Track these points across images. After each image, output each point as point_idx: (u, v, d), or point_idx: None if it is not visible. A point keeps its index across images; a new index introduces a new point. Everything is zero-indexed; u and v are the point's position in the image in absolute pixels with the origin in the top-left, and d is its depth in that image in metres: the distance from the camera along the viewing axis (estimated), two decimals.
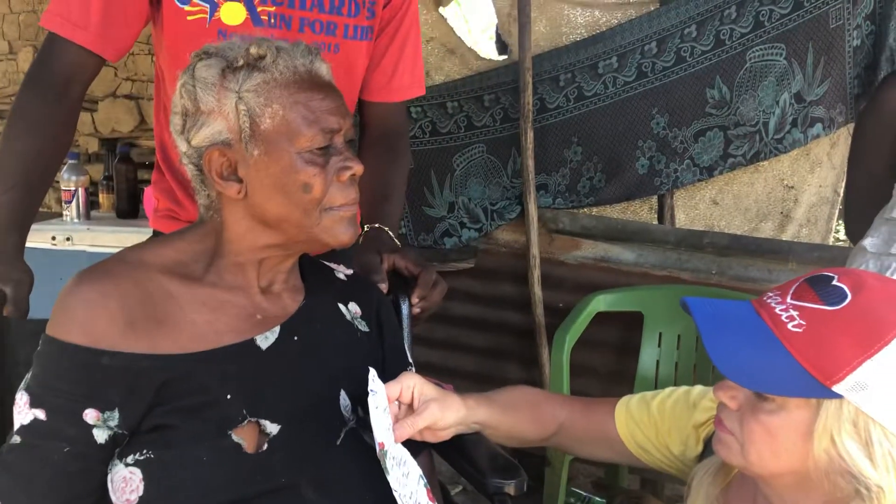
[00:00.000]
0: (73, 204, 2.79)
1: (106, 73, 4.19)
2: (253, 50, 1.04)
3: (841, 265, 1.74)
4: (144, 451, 1.00)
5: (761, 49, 2.48)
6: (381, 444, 1.05)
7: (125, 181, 2.94)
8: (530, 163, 2.60)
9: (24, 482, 0.98)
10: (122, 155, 3.00)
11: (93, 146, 4.40)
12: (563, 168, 2.70)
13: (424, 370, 1.26)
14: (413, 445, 1.13)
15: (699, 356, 2.22)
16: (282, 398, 1.08)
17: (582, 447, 1.31)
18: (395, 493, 1.04)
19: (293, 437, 1.07)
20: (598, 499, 2.40)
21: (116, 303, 1.02)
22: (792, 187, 2.68)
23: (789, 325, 0.91)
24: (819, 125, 2.52)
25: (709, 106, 2.56)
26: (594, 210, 2.74)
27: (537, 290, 2.63)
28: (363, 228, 1.46)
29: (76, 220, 2.79)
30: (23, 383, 1.02)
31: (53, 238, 2.69)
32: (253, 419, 1.05)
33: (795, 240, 2.67)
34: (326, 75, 1.11)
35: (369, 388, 1.06)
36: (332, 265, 1.29)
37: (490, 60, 2.78)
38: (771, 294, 0.97)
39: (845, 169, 1.97)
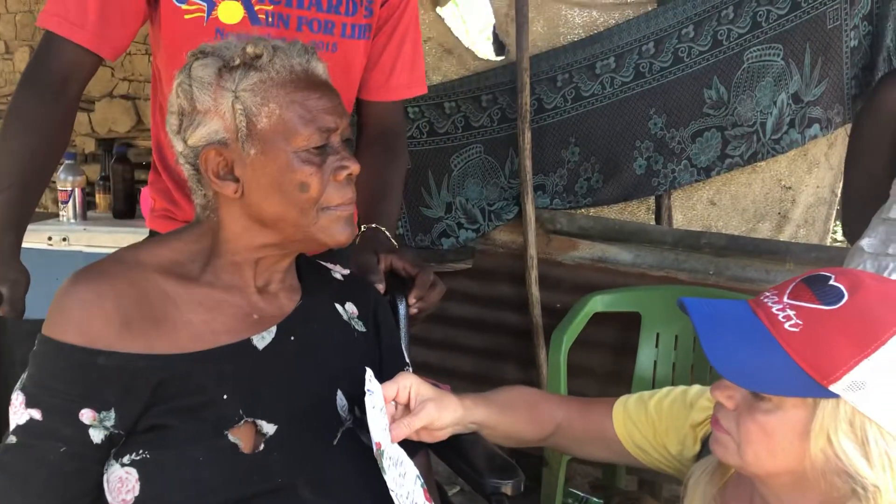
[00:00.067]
0: (70, 204, 2.79)
1: (103, 73, 4.18)
2: (249, 49, 1.04)
3: (838, 265, 1.74)
4: (140, 451, 1.00)
5: (759, 49, 2.48)
6: (378, 444, 1.05)
7: (122, 181, 2.93)
8: (528, 163, 2.59)
9: (19, 482, 0.98)
10: (119, 155, 2.99)
11: (89, 146, 4.39)
12: (560, 168, 2.70)
13: (422, 370, 1.26)
14: (410, 445, 1.13)
15: (696, 357, 2.22)
16: (278, 398, 1.08)
17: (580, 447, 1.31)
18: (391, 492, 1.04)
19: (290, 437, 1.07)
20: (595, 499, 2.40)
21: (112, 303, 1.02)
22: (789, 188, 2.68)
23: (786, 325, 0.91)
24: (816, 126, 2.52)
25: (706, 106, 2.56)
26: (592, 210, 2.74)
27: (535, 291, 2.62)
28: (360, 228, 1.46)
29: (73, 221, 2.79)
30: (19, 383, 1.01)
31: (50, 238, 2.69)
32: (249, 419, 1.05)
33: (793, 240, 2.67)
34: (323, 74, 1.11)
35: (366, 388, 1.06)
36: (329, 265, 1.29)
37: (487, 61, 2.78)
38: (768, 294, 0.97)
39: (843, 169, 1.97)
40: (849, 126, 2.38)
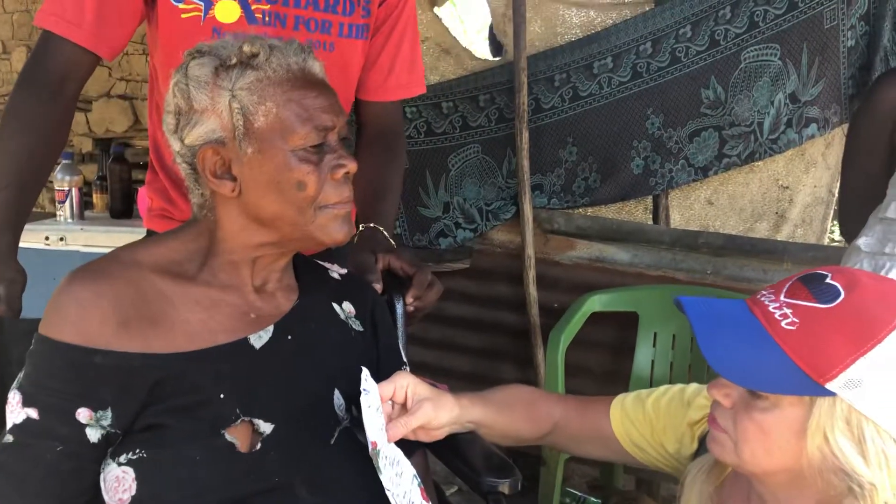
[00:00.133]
0: (67, 204, 2.79)
1: (100, 73, 4.18)
2: (246, 48, 1.04)
3: (835, 265, 1.74)
4: (137, 451, 1.00)
5: (756, 49, 2.49)
6: (374, 444, 1.05)
7: (119, 181, 2.94)
8: (525, 163, 2.59)
9: (16, 481, 0.97)
10: (116, 155, 2.99)
11: (87, 146, 4.39)
12: (558, 168, 2.70)
13: (419, 370, 1.26)
14: (407, 445, 1.13)
15: (694, 356, 2.22)
16: (275, 397, 1.08)
17: (577, 446, 1.31)
18: (387, 492, 1.04)
19: (287, 436, 1.07)
20: (593, 499, 2.40)
21: (109, 302, 1.02)
22: (787, 187, 2.68)
23: (783, 323, 0.91)
24: (814, 125, 2.53)
25: (704, 106, 2.56)
26: (589, 210, 2.74)
27: (532, 291, 2.63)
28: (358, 227, 1.46)
29: (70, 220, 2.79)
30: (15, 382, 1.01)
31: (47, 238, 2.69)
32: (246, 418, 1.05)
33: (790, 240, 2.68)
34: (319, 73, 1.11)
35: (361, 388, 1.06)
36: (327, 264, 1.29)
37: (485, 60, 2.78)
38: (765, 292, 0.97)
39: (840, 169, 1.98)
40: (846, 126, 2.39)
